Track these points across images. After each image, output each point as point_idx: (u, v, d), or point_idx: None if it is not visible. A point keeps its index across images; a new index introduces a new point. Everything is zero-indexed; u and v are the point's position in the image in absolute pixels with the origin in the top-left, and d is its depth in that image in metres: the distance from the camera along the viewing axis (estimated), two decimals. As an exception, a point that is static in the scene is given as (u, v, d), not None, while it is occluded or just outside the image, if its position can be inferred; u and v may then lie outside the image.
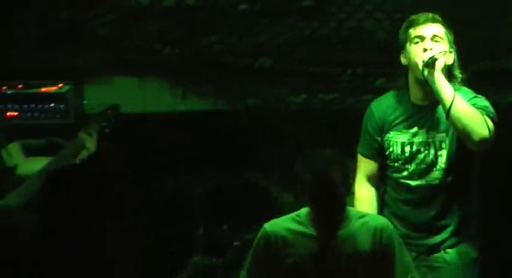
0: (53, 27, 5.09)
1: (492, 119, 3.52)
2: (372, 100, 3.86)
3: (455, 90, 3.50)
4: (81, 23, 5.11)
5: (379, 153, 3.76)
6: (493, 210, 4.23)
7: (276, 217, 3.47)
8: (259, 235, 3.45)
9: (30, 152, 4.87)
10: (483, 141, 3.44)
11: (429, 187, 3.63)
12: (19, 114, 5.03)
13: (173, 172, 5.16)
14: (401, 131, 3.71)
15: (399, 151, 3.69)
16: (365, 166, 3.80)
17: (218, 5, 5.07)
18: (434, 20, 3.73)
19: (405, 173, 3.67)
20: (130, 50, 5.10)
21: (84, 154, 4.21)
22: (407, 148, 3.69)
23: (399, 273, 3.33)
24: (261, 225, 3.42)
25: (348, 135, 3.98)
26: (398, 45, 3.72)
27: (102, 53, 5.02)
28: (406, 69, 3.68)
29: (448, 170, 3.61)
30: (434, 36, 3.66)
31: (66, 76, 5.04)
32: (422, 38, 3.65)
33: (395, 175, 3.69)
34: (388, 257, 3.34)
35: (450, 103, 3.45)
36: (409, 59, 3.63)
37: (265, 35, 5.11)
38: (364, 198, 3.77)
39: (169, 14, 5.12)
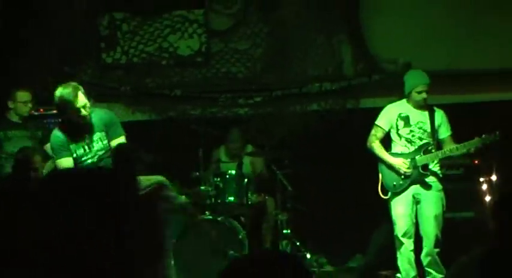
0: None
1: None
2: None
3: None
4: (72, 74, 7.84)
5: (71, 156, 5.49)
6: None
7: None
8: None
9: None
10: None
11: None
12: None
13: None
14: (76, 144, 5.50)
15: (81, 153, 5.50)
16: (66, 163, 5.47)
17: (155, 63, 7.98)
18: (79, 90, 5.34)
19: (87, 162, 5.45)
20: (102, 90, 7.84)
21: None
22: (87, 151, 5.49)
23: None
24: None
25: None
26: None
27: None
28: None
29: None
30: (85, 105, 5.38)
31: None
32: (79, 110, 5.33)
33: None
34: None
35: None
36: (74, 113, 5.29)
37: (177, 77, 8.13)
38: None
39: (122, 67, 8.08)
